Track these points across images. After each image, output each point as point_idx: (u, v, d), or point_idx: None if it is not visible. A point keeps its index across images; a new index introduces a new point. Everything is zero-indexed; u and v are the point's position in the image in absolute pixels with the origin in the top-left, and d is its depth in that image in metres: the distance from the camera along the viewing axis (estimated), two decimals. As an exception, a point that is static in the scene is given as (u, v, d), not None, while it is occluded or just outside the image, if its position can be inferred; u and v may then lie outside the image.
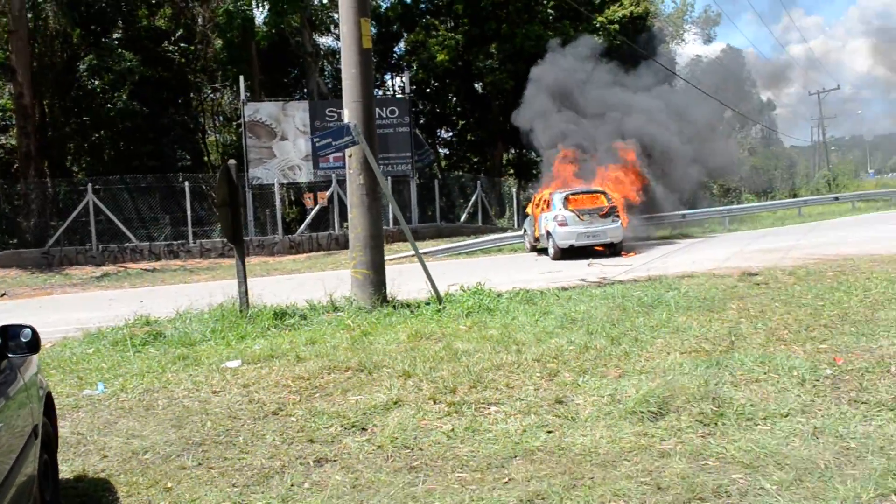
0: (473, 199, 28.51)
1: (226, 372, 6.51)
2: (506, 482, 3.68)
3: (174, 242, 20.99)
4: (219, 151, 31.45)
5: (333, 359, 6.65)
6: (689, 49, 51.82)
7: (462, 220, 26.94)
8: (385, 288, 9.99)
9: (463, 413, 4.84)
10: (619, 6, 28.44)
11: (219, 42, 26.34)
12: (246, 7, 24.39)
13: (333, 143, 8.91)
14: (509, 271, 14.05)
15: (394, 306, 9.61)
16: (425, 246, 19.72)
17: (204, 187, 23.40)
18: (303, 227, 22.59)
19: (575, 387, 5.27)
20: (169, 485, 3.95)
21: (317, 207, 22.44)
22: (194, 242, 20.97)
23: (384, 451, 4.26)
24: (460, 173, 32.22)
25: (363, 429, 4.70)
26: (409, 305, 9.69)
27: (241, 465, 4.19)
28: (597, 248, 16.96)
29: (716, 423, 4.24)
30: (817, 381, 4.90)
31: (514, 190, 28.96)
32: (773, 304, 8.07)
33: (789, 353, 5.74)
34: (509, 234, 22.04)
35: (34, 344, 2.81)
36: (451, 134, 35.70)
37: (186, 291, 13.54)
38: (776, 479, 3.42)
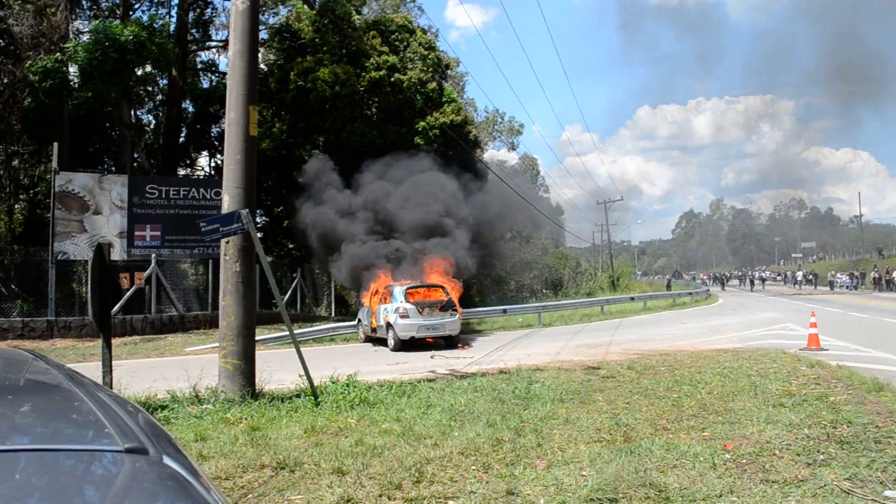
0: (293, 286, 28.12)
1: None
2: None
3: (-43, 322, 18.38)
4: (9, 220, 28.27)
5: (241, 456, 6.35)
6: (490, 155, 56.03)
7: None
8: (255, 379, 9.66)
9: (428, 508, 4.91)
10: (440, 114, 30.37)
11: (28, 101, 24.13)
12: (62, 68, 22.76)
13: (221, 230, 8.65)
14: (356, 362, 14.05)
15: (265, 399, 9.32)
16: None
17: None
18: (116, 308, 20.81)
19: (513, 478, 5.53)
20: None
21: (133, 289, 20.89)
22: (-16, 323, 18.53)
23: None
24: (273, 259, 31.75)
25: (330, 529, 4.59)
26: (278, 398, 9.43)
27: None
28: (428, 339, 17.54)
29: (668, 508, 4.73)
30: (724, 464, 5.62)
31: (332, 280, 29.02)
32: (633, 397, 8.97)
33: (680, 441, 6.47)
34: (339, 323, 21.95)
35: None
36: (265, 219, 35.34)
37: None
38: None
